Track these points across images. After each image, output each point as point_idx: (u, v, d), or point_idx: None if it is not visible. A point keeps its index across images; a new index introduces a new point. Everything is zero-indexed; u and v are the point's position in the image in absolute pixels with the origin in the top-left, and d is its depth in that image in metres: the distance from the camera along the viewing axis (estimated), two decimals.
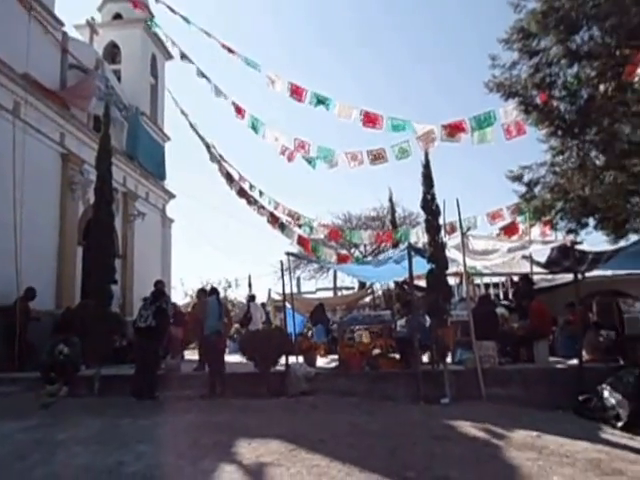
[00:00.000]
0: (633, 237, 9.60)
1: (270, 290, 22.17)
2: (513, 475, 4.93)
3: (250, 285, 22.28)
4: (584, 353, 9.07)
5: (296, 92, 12.11)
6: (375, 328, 11.73)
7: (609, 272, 12.08)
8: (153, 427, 6.90)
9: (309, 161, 13.03)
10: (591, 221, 9.39)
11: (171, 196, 21.68)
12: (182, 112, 16.63)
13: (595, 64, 7.77)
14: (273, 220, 15.28)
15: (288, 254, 11.33)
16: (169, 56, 20.76)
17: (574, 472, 5.05)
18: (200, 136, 16.07)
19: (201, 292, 12.21)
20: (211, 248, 58.46)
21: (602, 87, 7.89)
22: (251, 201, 15.48)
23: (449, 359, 9.26)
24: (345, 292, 26.64)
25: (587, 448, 5.85)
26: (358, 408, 7.89)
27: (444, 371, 8.55)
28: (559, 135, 8.61)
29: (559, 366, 9.28)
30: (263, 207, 15.50)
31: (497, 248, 10.15)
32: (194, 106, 18.61)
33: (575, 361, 8.92)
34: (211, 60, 16.17)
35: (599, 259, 9.70)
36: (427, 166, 9.31)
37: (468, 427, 6.63)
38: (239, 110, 13.56)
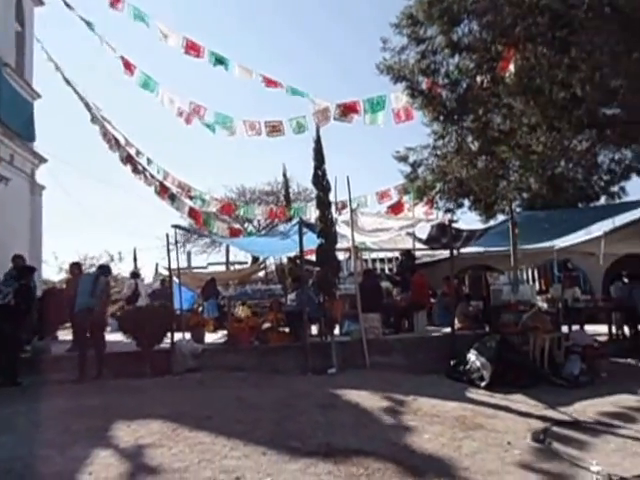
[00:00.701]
0: (501, 217, 10.53)
1: (157, 265, 21.46)
2: (389, 436, 5.33)
3: (135, 259, 21.41)
4: (456, 322, 9.88)
5: (192, 48, 11.67)
6: (266, 302, 11.86)
7: (481, 249, 13.17)
8: (15, 415, 6.32)
9: (208, 126, 12.70)
10: (466, 202, 10.15)
11: (42, 160, 19.51)
12: (56, 67, 15.03)
13: (474, 56, 8.28)
14: (162, 191, 14.51)
15: (175, 227, 10.96)
16: (39, 1, 18.47)
17: (443, 429, 5.57)
18: (78, 94, 14.66)
19: (74, 266, 11.33)
20: (91, 218, 54.42)
21: (479, 78, 8.45)
22: (138, 169, 14.56)
23: (337, 331, 9.64)
24: (238, 267, 26.56)
25: (455, 407, 6.46)
26: (246, 382, 7.94)
27: (332, 343, 8.90)
28: (441, 120, 9.12)
29: (435, 334, 10.03)
30: (152, 176, 14.68)
31: (385, 226, 10.66)
32: (74, 62, 17.10)
33: (449, 329, 9.68)
34: (99, 15, 14.76)
35: (472, 237, 10.56)
36: (318, 142, 9.45)
37: (352, 395, 6.99)
38: (128, 66, 12.71)
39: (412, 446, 5.02)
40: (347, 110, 11.48)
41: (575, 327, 11.51)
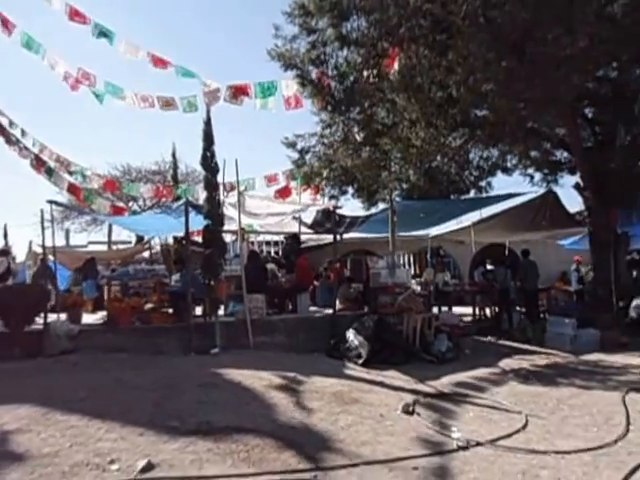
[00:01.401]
0: (381, 205, 11.03)
1: (31, 242, 19.80)
2: (270, 413, 5.43)
3: (6, 236, 19.61)
4: (338, 303, 10.23)
5: (77, 15, 10.80)
6: (149, 282, 11.43)
7: (363, 234, 13.72)
8: None
9: (97, 95, 11.86)
10: (350, 189, 10.54)
11: None
12: None
13: (361, 51, 8.55)
14: (38, 164, 13.40)
15: (51, 202, 10.15)
16: None
17: (321, 404, 5.78)
18: None
19: None
20: None
21: (365, 73, 8.74)
22: (11, 140, 13.29)
23: (222, 312, 9.58)
24: (121, 246, 25.23)
25: (334, 383, 6.71)
26: (126, 364, 7.60)
27: (215, 323, 8.83)
28: (329, 110, 9.34)
29: (317, 315, 10.30)
30: (26, 148, 13.46)
31: (273, 210, 10.73)
32: None
33: (331, 310, 10.01)
34: None
35: (355, 222, 10.97)
36: (208, 123, 9.23)
37: (234, 374, 6.97)
38: (6, 23, 11.43)
39: (291, 422, 5.16)
40: (238, 92, 11.28)
41: (444, 308, 12.47)
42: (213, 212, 9.01)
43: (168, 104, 11.48)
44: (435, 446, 4.61)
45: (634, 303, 10.67)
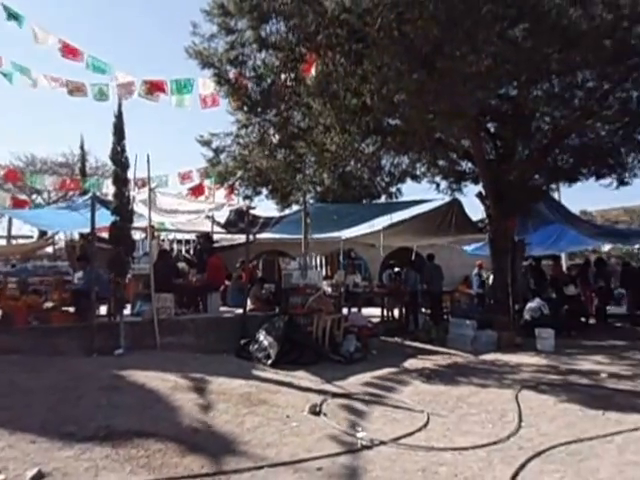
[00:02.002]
0: (295, 207, 11.05)
1: None
2: (174, 416, 5.25)
3: None
4: (249, 303, 10.12)
5: None
6: (50, 280, 10.70)
7: (276, 235, 13.66)
8: None
9: (5, 74, 10.89)
10: (264, 190, 10.46)
11: None
12: None
13: (279, 55, 8.51)
14: None
15: None
16: None
17: (228, 406, 5.66)
18: None
19: None
20: None
21: (283, 76, 8.71)
22: None
23: (128, 311, 9.16)
24: (22, 241, 23.50)
25: (242, 384, 6.60)
26: (20, 366, 7.04)
27: (120, 323, 8.43)
28: (245, 111, 9.23)
29: (227, 315, 10.12)
30: None
31: (185, 208, 10.40)
32: None
33: (241, 310, 9.86)
34: None
35: (268, 223, 10.89)
36: (120, 117, 8.80)
37: (138, 375, 6.68)
38: None
39: (196, 425, 5.01)
40: (153, 88, 10.86)
41: (354, 309, 12.70)
42: (122, 208, 8.60)
43: (78, 90, 10.82)
44: (340, 446, 4.64)
45: (528, 306, 11.40)
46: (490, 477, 4.07)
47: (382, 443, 4.71)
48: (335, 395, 6.34)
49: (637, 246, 21.85)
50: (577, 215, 15.12)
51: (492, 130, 11.36)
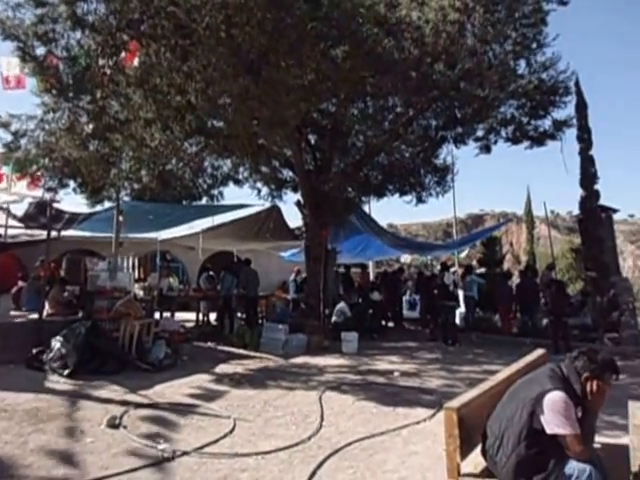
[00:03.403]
0: (108, 204, 10.24)
1: None
2: None
3: None
4: (47, 307, 9.07)
5: None
6: None
7: (86, 233, 12.55)
8: None
9: None
10: (72, 183, 9.49)
11: None
12: None
13: (97, 38, 7.78)
14: None
15: None
16: None
17: (10, 425, 4.99)
18: None
19: None
20: None
21: (101, 61, 7.97)
22: None
23: None
24: None
25: (29, 399, 5.88)
26: None
27: None
28: (54, 94, 8.27)
29: (20, 320, 8.95)
30: None
31: None
32: None
33: (37, 315, 8.80)
34: None
35: (75, 219, 9.92)
36: None
37: None
38: None
39: None
40: None
41: (167, 314, 12.19)
42: None
43: None
44: (140, 460, 4.37)
45: (336, 308, 12.08)
46: (289, 478, 4.17)
47: (185, 453, 4.55)
48: (138, 406, 5.96)
49: (430, 257, 24.64)
50: (384, 227, 16.53)
51: (312, 142, 11.85)
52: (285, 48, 7.32)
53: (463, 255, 22.14)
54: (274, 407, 6.21)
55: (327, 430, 5.41)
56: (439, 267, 14.25)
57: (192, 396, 6.58)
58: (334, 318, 12.00)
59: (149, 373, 7.74)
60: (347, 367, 8.77)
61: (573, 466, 2.72)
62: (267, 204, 12.68)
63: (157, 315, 10.92)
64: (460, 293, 13.15)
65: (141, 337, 8.50)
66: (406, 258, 25.89)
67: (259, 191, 12.73)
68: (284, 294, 15.77)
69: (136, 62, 7.90)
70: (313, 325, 10.80)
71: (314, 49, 7.49)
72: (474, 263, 17.13)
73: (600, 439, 4.13)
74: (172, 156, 9.93)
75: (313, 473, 4.26)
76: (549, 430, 2.76)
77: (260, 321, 12.79)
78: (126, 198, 10.75)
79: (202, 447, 4.71)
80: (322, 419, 5.75)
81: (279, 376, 7.95)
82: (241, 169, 12.18)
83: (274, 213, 12.64)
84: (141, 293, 10.79)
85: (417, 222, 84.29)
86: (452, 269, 14.27)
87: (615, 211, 14.15)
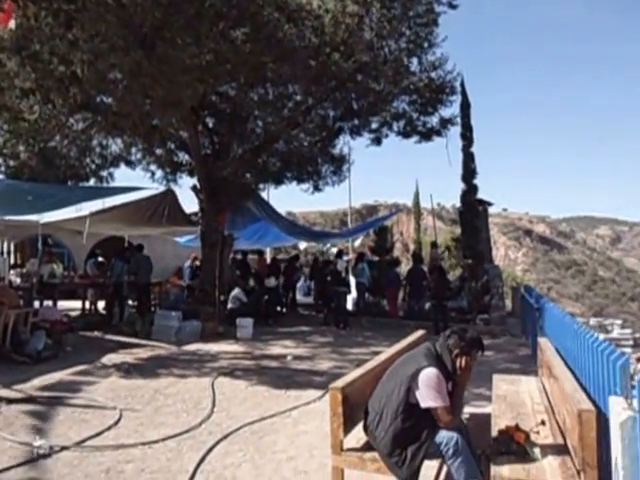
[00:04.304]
0: None
1: None
2: None
3: None
4: None
5: None
6: None
7: None
8: None
9: None
10: None
11: None
12: None
13: None
14: None
15: None
16: None
17: None
18: None
19: None
20: None
21: None
22: None
23: None
24: None
25: None
26: None
27: None
28: None
29: None
30: None
31: None
32: None
33: None
34: None
35: None
36: None
37: None
38: None
39: None
40: None
41: (49, 303, 11.29)
42: None
43: None
44: (12, 459, 4.01)
45: (232, 294, 11.90)
46: (178, 466, 4.06)
47: (64, 448, 4.25)
48: (12, 401, 5.46)
49: (328, 245, 25.08)
50: (282, 214, 16.53)
51: (210, 125, 11.50)
52: (181, 24, 6.98)
53: (357, 243, 22.78)
54: (164, 395, 6.02)
55: (218, 416, 5.33)
56: (335, 254, 14.54)
57: (75, 388, 6.17)
58: (230, 304, 11.82)
59: (26, 366, 7.13)
60: (241, 353, 8.70)
61: (442, 435, 2.91)
62: (161, 188, 12.14)
63: (37, 304, 10.07)
64: (352, 279, 13.52)
65: (17, 328, 7.77)
66: (304, 245, 26.19)
67: (153, 174, 12.20)
68: (179, 280, 15.25)
69: (12, 24, 7.14)
70: (208, 312, 10.57)
71: (213, 28, 7.23)
72: (367, 251, 17.65)
73: (469, 409, 4.48)
74: (55, 132, 9.17)
75: (202, 459, 4.18)
76: (423, 404, 2.92)
77: (153, 309, 12.27)
78: (0, 176, 9.76)
79: (84, 441, 4.43)
80: (214, 405, 5.66)
81: (171, 364, 7.70)
82: (133, 150, 11.56)
83: (169, 197, 12.10)
84: (18, 280, 9.88)
85: (315, 211, 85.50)
86: (346, 257, 14.61)
87: (490, 204, 15.27)
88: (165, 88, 7.38)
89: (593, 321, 13.65)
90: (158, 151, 11.68)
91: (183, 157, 12.16)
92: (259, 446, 4.49)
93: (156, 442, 4.51)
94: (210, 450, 4.37)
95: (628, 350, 8.92)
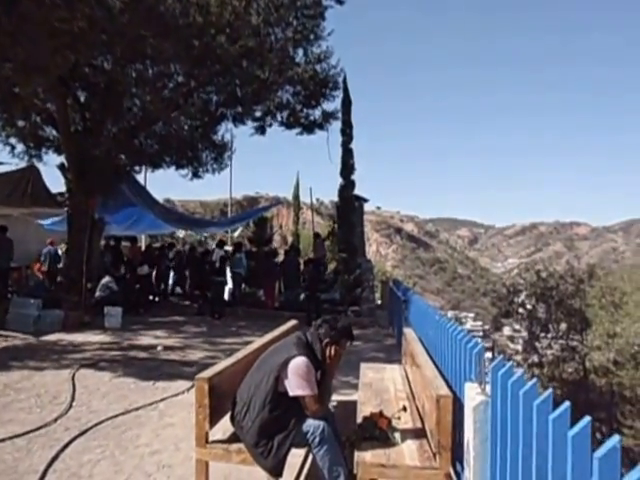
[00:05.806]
0: None
1: None
2: None
3: None
4: None
5: None
6: None
7: None
8: None
9: None
10: None
11: None
12: None
13: None
14: None
15: None
16: None
17: None
18: None
19: None
20: None
21: None
22: None
23: None
24: None
25: None
26: None
27: None
28: None
29: None
30: None
31: None
32: None
33: None
34: None
35: None
36: None
37: None
38: None
39: None
40: None
41: None
42: None
43: None
44: None
45: (102, 282, 11.04)
46: (26, 466, 3.66)
47: None
48: None
49: (206, 235, 24.44)
50: (159, 201, 15.66)
51: (82, 100, 10.53)
52: None
53: (237, 234, 22.42)
54: (16, 390, 5.43)
55: (77, 410, 4.90)
56: (214, 244, 14.12)
57: None
58: (98, 293, 10.94)
59: None
60: (108, 343, 8.11)
61: (309, 423, 2.86)
62: (23, 164, 10.92)
63: None
64: (228, 270, 13.23)
65: None
66: (182, 234, 25.24)
67: (13, 147, 10.91)
68: (42, 266, 13.84)
69: None
70: (72, 300, 9.72)
71: None
72: (245, 242, 17.38)
73: (337, 397, 4.53)
74: None
75: (55, 457, 3.79)
76: (292, 392, 2.85)
77: (10, 295, 11.00)
78: None
79: None
80: (73, 399, 5.20)
81: (26, 355, 6.99)
82: None
83: (32, 175, 10.93)
84: None
85: (195, 200, 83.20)
86: (226, 247, 14.27)
87: (366, 201, 15.77)
88: (27, 51, 6.58)
89: (450, 314, 14.73)
90: (20, 123, 10.47)
91: (50, 132, 11.04)
92: (120, 441, 4.17)
93: (2, 441, 4.02)
94: (65, 447, 3.98)
95: (479, 341, 9.71)
